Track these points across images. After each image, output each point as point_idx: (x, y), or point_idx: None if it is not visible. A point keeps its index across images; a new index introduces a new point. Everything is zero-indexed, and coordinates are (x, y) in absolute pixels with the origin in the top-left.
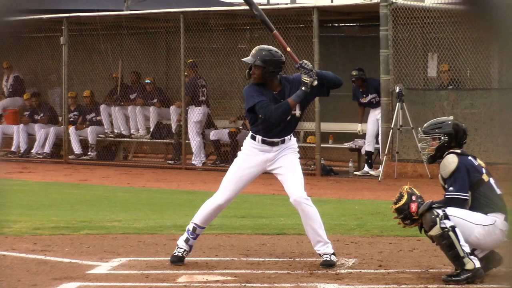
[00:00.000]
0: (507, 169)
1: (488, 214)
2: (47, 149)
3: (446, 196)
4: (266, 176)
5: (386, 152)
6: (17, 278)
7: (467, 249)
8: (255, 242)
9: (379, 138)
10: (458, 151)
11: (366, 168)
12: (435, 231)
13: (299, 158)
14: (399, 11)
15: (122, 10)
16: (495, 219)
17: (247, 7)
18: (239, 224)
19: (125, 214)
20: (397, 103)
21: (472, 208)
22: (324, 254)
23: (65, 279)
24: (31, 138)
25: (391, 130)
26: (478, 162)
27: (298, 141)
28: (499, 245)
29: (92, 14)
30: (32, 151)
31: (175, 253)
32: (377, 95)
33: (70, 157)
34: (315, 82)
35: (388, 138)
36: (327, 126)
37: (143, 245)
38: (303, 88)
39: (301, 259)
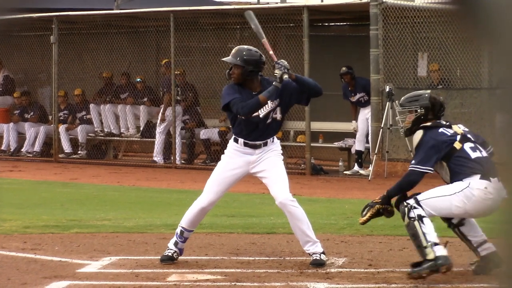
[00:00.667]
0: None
1: (464, 179)
2: (37, 147)
3: (408, 167)
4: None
5: (376, 152)
6: (7, 277)
7: (431, 238)
8: (245, 241)
9: (369, 138)
10: (429, 124)
11: (356, 168)
12: (404, 222)
13: (285, 158)
14: (389, 10)
15: (113, 9)
16: (469, 181)
17: (237, 6)
18: (229, 223)
19: (115, 213)
20: (387, 103)
21: (451, 178)
22: (313, 254)
23: (55, 277)
24: (21, 137)
25: (381, 130)
26: (454, 130)
27: (288, 140)
28: (494, 208)
29: (82, 13)
30: (22, 149)
31: (165, 252)
32: (366, 94)
33: (60, 155)
34: (285, 76)
35: (378, 137)
36: (317, 125)
37: (133, 244)
38: (274, 83)
39: (291, 258)
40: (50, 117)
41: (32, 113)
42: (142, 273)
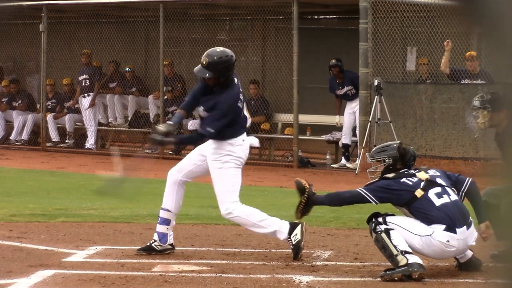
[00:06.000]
0: (484, 165)
1: (430, 225)
2: (24, 136)
3: (359, 188)
4: (243, 167)
5: (363, 145)
6: None
7: (401, 247)
8: (231, 233)
9: (357, 131)
10: (390, 175)
11: (343, 161)
12: (372, 237)
13: (272, 150)
14: (378, 4)
15: None
16: (433, 231)
17: None
18: (215, 215)
19: (102, 203)
20: (376, 96)
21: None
22: (288, 241)
23: (40, 266)
24: (8, 125)
25: (369, 123)
26: (418, 177)
27: (275, 132)
28: (450, 257)
29: (71, 2)
30: (10, 137)
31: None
32: (353, 88)
33: (48, 144)
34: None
35: (366, 131)
36: (305, 118)
37: (119, 233)
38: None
39: (277, 250)
40: (38, 106)
41: (20, 101)
42: (128, 263)
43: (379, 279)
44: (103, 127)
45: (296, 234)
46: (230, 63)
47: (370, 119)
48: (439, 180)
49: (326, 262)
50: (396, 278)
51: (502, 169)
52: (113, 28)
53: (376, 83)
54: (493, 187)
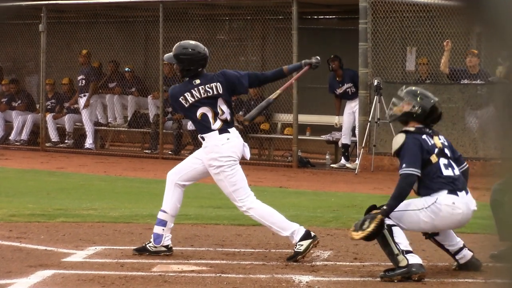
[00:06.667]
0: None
1: (431, 194)
2: (24, 136)
3: (399, 173)
4: (243, 167)
5: (363, 145)
6: None
7: (403, 246)
8: (230, 233)
9: (356, 131)
10: (412, 129)
11: (342, 161)
12: None
13: (272, 151)
14: (378, 4)
15: None
16: (437, 197)
17: None
18: (215, 215)
19: (101, 203)
20: (375, 96)
21: (418, 189)
22: (294, 244)
23: (40, 266)
24: (8, 125)
25: (369, 123)
26: (434, 141)
27: (275, 132)
28: (463, 221)
29: (71, 2)
30: (9, 137)
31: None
32: (353, 86)
33: (47, 144)
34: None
35: (366, 131)
36: (304, 118)
37: (119, 233)
38: None
39: (277, 250)
40: (37, 106)
41: (19, 102)
42: (127, 263)
43: (378, 279)
44: (102, 127)
45: (302, 245)
46: (195, 58)
47: (369, 119)
48: (447, 151)
49: (325, 262)
50: (395, 280)
51: (500, 168)
52: (112, 28)
53: (375, 83)
54: (499, 182)
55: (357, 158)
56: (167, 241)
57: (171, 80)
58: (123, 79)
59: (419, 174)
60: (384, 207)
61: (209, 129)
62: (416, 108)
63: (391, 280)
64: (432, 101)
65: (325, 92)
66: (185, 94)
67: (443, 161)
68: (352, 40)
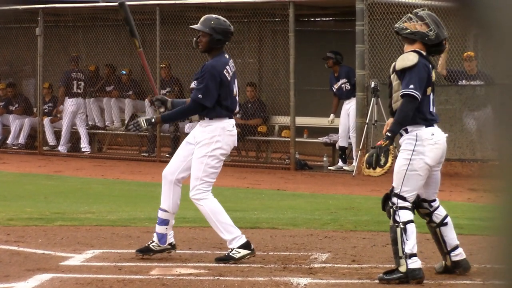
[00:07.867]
0: (481, 166)
1: (410, 131)
2: (21, 140)
3: (404, 92)
4: (240, 170)
5: (360, 147)
6: None
7: (408, 250)
8: None
9: (352, 133)
10: (424, 53)
11: (340, 163)
12: (390, 222)
13: (269, 153)
14: (375, 6)
15: (99, 2)
16: (416, 133)
17: (223, 0)
18: None
19: (99, 206)
20: (372, 98)
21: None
22: (230, 248)
23: (38, 270)
24: (5, 129)
25: (366, 125)
26: (432, 73)
27: (272, 135)
28: (444, 152)
29: (68, 5)
30: (6, 141)
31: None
32: (348, 82)
33: (45, 148)
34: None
35: (363, 133)
36: (302, 120)
37: (117, 237)
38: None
39: (275, 253)
40: (35, 110)
41: (16, 105)
42: (125, 267)
43: (377, 281)
44: (99, 131)
45: (239, 253)
46: (227, 30)
47: (367, 121)
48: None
49: (323, 265)
50: (392, 283)
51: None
52: (109, 32)
53: (372, 85)
54: None
55: (354, 161)
56: (170, 238)
57: (168, 83)
58: (120, 83)
59: (419, 99)
60: (388, 134)
61: (232, 112)
62: (431, 33)
63: (388, 283)
64: (446, 33)
65: (322, 94)
66: (226, 67)
67: (431, 96)
68: (349, 42)
